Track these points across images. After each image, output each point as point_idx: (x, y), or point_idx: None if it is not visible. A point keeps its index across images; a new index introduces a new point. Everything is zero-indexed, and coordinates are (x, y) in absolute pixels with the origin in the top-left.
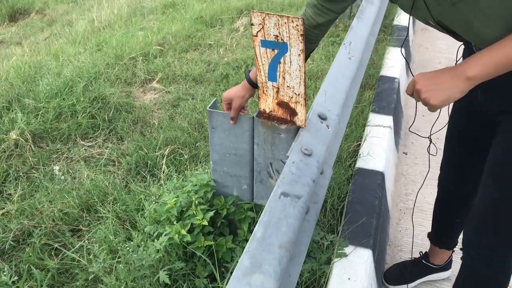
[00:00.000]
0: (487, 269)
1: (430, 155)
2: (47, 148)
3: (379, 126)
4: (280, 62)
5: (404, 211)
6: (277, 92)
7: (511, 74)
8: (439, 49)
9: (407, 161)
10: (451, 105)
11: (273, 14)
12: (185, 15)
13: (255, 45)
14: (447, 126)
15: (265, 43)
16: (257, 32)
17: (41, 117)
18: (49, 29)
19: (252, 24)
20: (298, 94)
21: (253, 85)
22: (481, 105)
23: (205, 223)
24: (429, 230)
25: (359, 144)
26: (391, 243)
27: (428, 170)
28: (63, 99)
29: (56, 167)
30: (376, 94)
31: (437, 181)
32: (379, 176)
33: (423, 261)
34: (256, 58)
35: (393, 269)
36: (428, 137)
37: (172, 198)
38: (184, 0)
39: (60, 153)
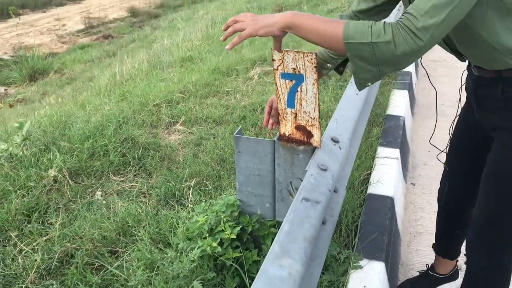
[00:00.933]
0: (489, 274)
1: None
2: (83, 183)
3: (387, 157)
4: (297, 91)
5: (414, 234)
6: (295, 117)
7: (501, 94)
8: (442, 92)
9: (415, 191)
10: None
11: (291, 51)
12: (202, 67)
13: (276, 77)
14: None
15: (284, 75)
16: (278, 66)
17: (76, 156)
18: (69, 86)
19: (273, 60)
20: (314, 118)
21: None
22: (478, 122)
23: (234, 236)
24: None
25: (369, 173)
26: (403, 263)
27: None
28: (95, 140)
29: (99, 193)
30: (383, 130)
31: None
32: (388, 200)
33: (430, 272)
34: (277, 88)
35: (404, 283)
36: (444, 151)
37: (203, 217)
38: (201, 54)
39: (94, 187)
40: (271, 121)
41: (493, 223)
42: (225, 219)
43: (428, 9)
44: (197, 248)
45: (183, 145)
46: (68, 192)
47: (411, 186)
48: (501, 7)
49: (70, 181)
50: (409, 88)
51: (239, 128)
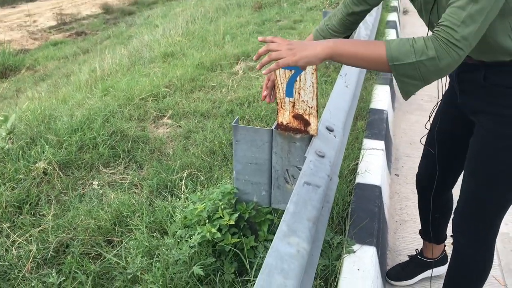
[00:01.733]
0: (474, 252)
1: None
2: (73, 175)
3: (373, 149)
4: (296, 80)
5: (400, 222)
6: (293, 106)
7: (484, 81)
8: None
9: (399, 181)
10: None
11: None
12: (186, 62)
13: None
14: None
15: None
16: None
17: (65, 149)
18: (44, 83)
19: None
20: (311, 107)
21: None
22: (460, 107)
23: (232, 222)
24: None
25: (357, 164)
26: (390, 249)
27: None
28: (84, 134)
29: (95, 182)
30: (368, 123)
31: None
32: (376, 189)
33: (419, 256)
34: (276, 78)
35: (394, 267)
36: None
37: (201, 204)
38: (182, 49)
39: (85, 179)
40: (266, 94)
41: (478, 203)
42: (222, 206)
43: (464, 19)
44: (197, 234)
45: (172, 138)
46: (59, 184)
47: (395, 177)
48: (504, 7)
49: (60, 173)
50: (390, 83)
51: (236, 117)
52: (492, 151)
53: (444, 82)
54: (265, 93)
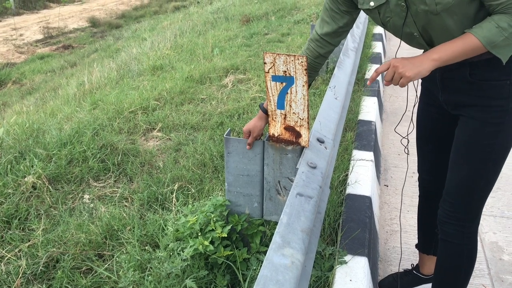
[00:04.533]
0: (461, 241)
1: (407, 155)
2: (63, 189)
3: (362, 160)
4: (287, 93)
5: (390, 232)
6: (285, 118)
7: (470, 77)
8: (404, 98)
9: (388, 191)
10: (416, 111)
11: (282, 54)
12: (175, 75)
13: (267, 80)
14: (415, 130)
15: (275, 78)
16: (269, 69)
17: (55, 163)
18: (31, 97)
19: (265, 63)
20: (302, 119)
21: (267, 113)
22: (442, 104)
23: (225, 235)
24: (413, 248)
25: (347, 174)
26: (381, 259)
27: (407, 169)
28: (73, 147)
29: (87, 196)
30: (357, 134)
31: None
32: (367, 200)
33: (414, 271)
34: (268, 90)
35: (387, 277)
36: (405, 137)
37: (193, 216)
38: (171, 62)
39: (75, 193)
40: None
41: (469, 191)
42: (214, 218)
43: None
44: (190, 247)
45: (162, 151)
46: (48, 199)
47: (384, 188)
48: None
49: (50, 187)
50: (378, 95)
51: (228, 129)
52: (482, 137)
53: (416, 84)
54: (249, 142)
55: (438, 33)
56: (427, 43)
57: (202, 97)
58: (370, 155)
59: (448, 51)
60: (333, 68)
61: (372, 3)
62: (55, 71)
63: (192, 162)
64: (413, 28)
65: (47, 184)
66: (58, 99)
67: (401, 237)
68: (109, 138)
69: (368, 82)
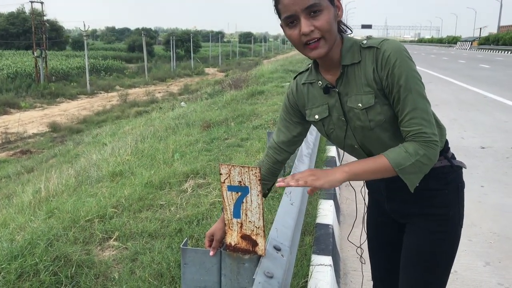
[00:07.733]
0: None
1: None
2: None
3: (321, 265)
4: (243, 202)
5: None
6: (241, 226)
7: (406, 187)
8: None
9: None
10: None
11: (237, 166)
12: (134, 181)
13: (223, 190)
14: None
15: (231, 188)
16: (225, 179)
17: (3, 278)
18: None
19: (220, 174)
20: (258, 227)
21: None
22: (390, 213)
23: None
24: None
25: (306, 281)
26: None
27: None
28: (25, 260)
29: None
30: (315, 238)
31: None
32: None
33: None
34: (224, 200)
35: None
36: (359, 247)
37: None
38: (131, 168)
39: None
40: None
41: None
42: None
43: (426, 118)
44: None
45: (118, 261)
46: None
47: None
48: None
49: None
50: (334, 198)
51: (185, 239)
52: (428, 246)
53: (364, 194)
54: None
55: (375, 146)
56: (368, 155)
57: (161, 203)
58: (328, 259)
59: (359, 167)
60: (290, 173)
61: (317, 116)
62: (11, 177)
63: (148, 273)
64: (353, 140)
65: None
66: (12, 207)
67: None
68: (63, 249)
69: (277, 184)
